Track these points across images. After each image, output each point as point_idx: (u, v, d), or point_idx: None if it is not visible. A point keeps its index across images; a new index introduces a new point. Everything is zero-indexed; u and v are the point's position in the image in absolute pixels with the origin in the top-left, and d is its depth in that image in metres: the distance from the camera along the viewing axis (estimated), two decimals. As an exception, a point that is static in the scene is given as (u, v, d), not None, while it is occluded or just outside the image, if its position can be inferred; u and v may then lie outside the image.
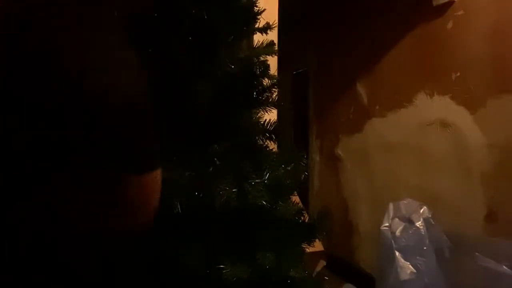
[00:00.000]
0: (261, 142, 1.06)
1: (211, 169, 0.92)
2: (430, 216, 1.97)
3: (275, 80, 1.05)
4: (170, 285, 0.89)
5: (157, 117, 0.58)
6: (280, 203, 0.94)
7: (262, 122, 1.04)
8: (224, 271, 0.83)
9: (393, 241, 1.90)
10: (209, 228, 0.90)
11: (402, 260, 1.84)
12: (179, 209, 0.85)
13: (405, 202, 2.08)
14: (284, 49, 1.37)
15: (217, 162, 0.92)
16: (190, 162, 0.91)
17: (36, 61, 0.51)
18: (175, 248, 0.86)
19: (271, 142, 1.07)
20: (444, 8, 2.34)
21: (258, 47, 1.07)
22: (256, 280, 0.86)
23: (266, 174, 0.93)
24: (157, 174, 0.62)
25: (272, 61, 1.10)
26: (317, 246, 1.74)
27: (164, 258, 0.88)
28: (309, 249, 1.11)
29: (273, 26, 1.07)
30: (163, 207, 0.85)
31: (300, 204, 1.14)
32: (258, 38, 1.09)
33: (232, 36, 1.01)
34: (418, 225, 1.91)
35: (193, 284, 0.88)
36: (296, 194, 1.14)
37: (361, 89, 3.07)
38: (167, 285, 0.89)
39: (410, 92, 2.59)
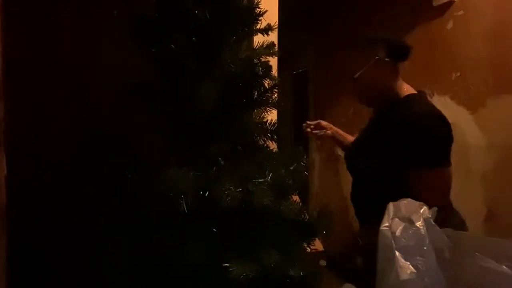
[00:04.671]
0: (262, 142, 1.06)
1: (214, 169, 0.92)
2: (430, 216, 1.97)
3: (276, 81, 1.05)
4: (177, 282, 0.90)
5: (162, 117, 0.58)
6: (283, 202, 0.95)
7: (263, 122, 1.05)
8: (231, 269, 0.84)
9: (393, 241, 1.90)
10: (214, 227, 0.91)
11: (402, 260, 1.83)
12: (185, 208, 0.85)
13: (405, 202, 2.07)
14: (284, 49, 1.37)
15: (221, 162, 0.93)
16: (195, 161, 0.92)
17: None
18: (181, 246, 0.87)
19: (272, 142, 1.07)
20: (444, 8, 2.35)
21: (258, 48, 1.07)
22: (259, 278, 0.87)
23: (269, 174, 0.94)
24: None
25: (273, 62, 1.10)
26: (317, 246, 1.74)
27: (170, 256, 0.88)
28: (309, 249, 1.12)
29: (274, 27, 1.07)
30: (169, 206, 0.85)
31: (301, 203, 1.14)
32: (258, 39, 1.09)
33: (234, 37, 1.01)
34: (418, 225, 1.91)
35: (200, 282, 0.88)
36: (296, 194, 1.14)
37: (361, 89, 3.07)
38: (174, 283, 0.90)
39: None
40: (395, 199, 1.38)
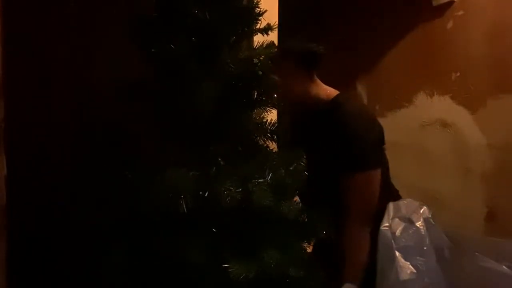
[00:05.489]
0: (262, 142, 1.06)
1: (214, 169, 0.92)
2: (430, 216, 1.96)
3: (276, 81, 1.06)
4: (177, 282, 0.90)
5: (162, 117, 0.58)
6: (283, 202, 0.95)
7: (263, 122, 1.05)
8: (230, 270, 0.84)
9: (393, 241, 1.89)
10: (214, 227, 0.91)
11: (402, 260, 1.83)
12: (185, 209, 0.85)
13: (405, 202, 2.07)
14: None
15: (221, 162, 0.93)
16: (195, 162, 0.92)
17: None
18: (181, 246, 0.87)
19: (272, 142, 1.07)
20: (444, 8, 2.35)
21: (258, 47, 1.07)
22: (259, 278, 0.87)
23: (269, 174, 0.94)
24: None
25: (273, 62, 1.10)
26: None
27: (170, 256, 0.88)
28: (309, 249, 1.12)
29: (274, 27, 1.08)
30: (169, 206, 0.85)
31: (301, 203, 1.14)
32: (258, 39, 1.10)
33: (234, 37, 1.01)
34: (418, 225, 1.91)
35: (200, 282, 0.88)
36: (296, 194, 1.15)
37: (361, 89, 3.07)
38: (174, 283, 0.90)
39: (410, 92, 2.59)
40: (332, 203, 1.37)
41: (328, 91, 1.51)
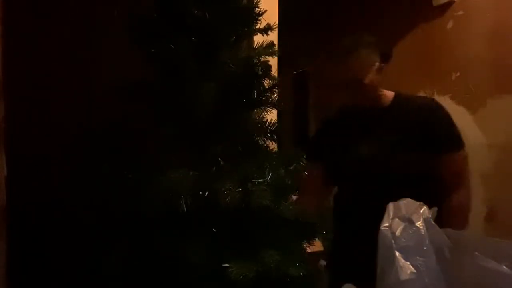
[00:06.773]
0: (262, 142, 1.06)
1: (214, 169, 0.93)
2: (430, 216, 1.97)
3: (276, 81, 1.06)
4: (176, 283, 0.90)
5: (162, 117, 0.58)
6: (282, 202, 0.95)
7: (263, 122, 1.05)
8: (230, 270, 0.84)
9: (393, 241, 1.90)
10: (214, 227, 0.91)
11: (402, 260, 1.83)
12: (185, 209, 0.85)
13: (405, 202, 2.07)
14: (284, 49, 1.38)
15: (221, 162, 0.93)
16: (195, 161, 0.92)
17: None
18: (181, 246, 0.87)
19: (272, 142, 1.07)
20: (444, 8, 2.35)
21: (258, 48, 1.07)
22: (259, 278, 0.87)
23: (268, 174, 0.94)
24: None
25: (273, 62, 1.10)
26: (317, 246, 1.74)
27: (170, 256, 0.88)
28: (309, 249, 1.12)
29: (274, 27, 1.08)
30: (169, 206, 0.85)
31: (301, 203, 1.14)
32: (258, 39, 1.10)
33: (234, 37, 1.01)
34: (418, 225, 1.91)
35: (200, 282, 0.88)
36: (296, 194, 1.15)
37: (361, 89, 3.07)
38: (174, 283, 0.90)
39: (410, 92, 2.59)
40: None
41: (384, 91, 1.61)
